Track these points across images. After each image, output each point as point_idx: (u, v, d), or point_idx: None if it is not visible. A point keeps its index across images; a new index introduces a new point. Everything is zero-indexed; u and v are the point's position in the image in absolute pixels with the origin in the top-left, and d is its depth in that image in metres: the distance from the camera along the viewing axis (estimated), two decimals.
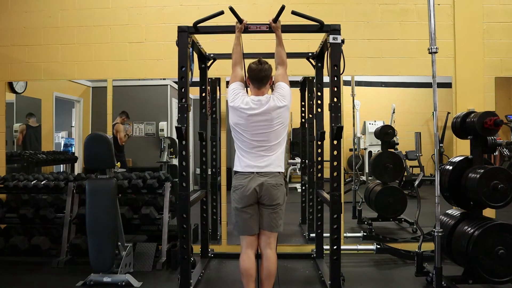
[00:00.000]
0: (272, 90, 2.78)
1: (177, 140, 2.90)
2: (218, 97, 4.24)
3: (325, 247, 3.66)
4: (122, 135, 5.17)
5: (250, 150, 2.66)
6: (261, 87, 2.70)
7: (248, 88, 2.79)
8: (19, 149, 4.79)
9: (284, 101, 2.66)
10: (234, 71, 2.84)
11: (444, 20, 4.08)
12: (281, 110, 2.65)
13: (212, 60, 3.77)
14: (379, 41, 4.13)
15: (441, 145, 3.35)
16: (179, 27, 2.90)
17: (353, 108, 4.96)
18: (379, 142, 4.82)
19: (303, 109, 4.91)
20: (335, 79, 2.83)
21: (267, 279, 2.61)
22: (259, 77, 2.68)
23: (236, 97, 2.69)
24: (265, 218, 2.61)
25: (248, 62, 2.94)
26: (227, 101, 2.81)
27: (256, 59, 2.71)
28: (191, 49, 3.02)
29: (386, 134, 4.73)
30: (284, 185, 2.67)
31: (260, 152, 2.64)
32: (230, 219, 2.87)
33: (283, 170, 2.69)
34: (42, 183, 3.90)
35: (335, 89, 2.85)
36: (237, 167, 2.71)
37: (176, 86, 3.06)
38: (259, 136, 2.64)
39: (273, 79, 2.78)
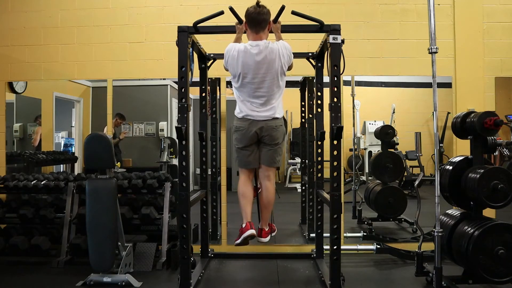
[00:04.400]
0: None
1: (177, 140, 2.90)
2: (218, 97, 4.24)
3: (325, 247, 3.66)
4: None
5: (250, 99, 2.78)
6: (259, 31, 2.73)
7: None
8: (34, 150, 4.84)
9: (286, 52, 2.74)
10: None
11: (444, 20, 4.07)
12: (282, 58, 2.72)
13: (212, 60, 3.76)
14: (379, 41, 4.13)
15: (441, 145, 3.34)
16: (179, 27, 2.90)
17: (353, 108, 4.96)
18: (379, 142, 4.82)
19: (303, 109, 4.91)
20: (335, 79, 2.83)
21: (266, 206, 2.92)
22: (257, 20, 2.71)
23: (231, 48, 2.77)
24: (265, 154, 2.85)
25: None
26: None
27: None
28: (191, 49, 3.02)
29: (386, 134, 4.73)
30: (283, 125, 2.87)
31: (260, 102, 2.77)
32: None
33: (281, 116, 2.86)
34: (42, 183, 3.90)
35: (335, 89, 2.85)
36: (238, 113, 2.87)
37: (176, 86, 3.06)
38: (258, 84, 2.73)
39: (271, 24, 2.83)
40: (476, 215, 2.96)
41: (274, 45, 2.74)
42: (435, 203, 2.85)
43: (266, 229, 2.96)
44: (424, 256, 3.17)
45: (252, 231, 2.75)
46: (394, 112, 5.41)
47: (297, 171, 7.39)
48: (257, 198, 3.01)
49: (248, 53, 2.69)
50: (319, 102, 3.66)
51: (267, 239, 2.95)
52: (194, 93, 3.49)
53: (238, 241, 2.82)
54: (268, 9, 2.78)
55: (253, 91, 2.77)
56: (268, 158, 2.86)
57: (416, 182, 3.34)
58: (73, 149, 5.47)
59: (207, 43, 3.68)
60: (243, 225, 2.81)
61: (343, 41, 2.84)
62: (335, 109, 2.85)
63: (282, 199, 6.32)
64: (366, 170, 5.40)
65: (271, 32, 2.96)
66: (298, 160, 7.10)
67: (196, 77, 3.39)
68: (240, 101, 2.87)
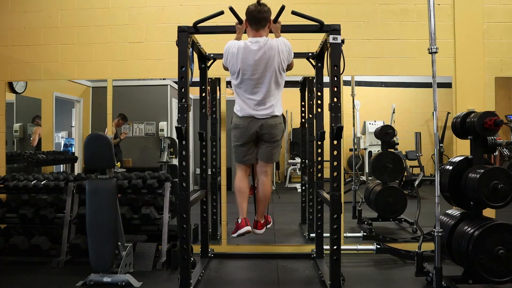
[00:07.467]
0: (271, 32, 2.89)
1: (177, 140, 2.90)
2: (218, 97, 4.24)
3: (325, 247, 3.66)
4: None
5: (249, 96, 2.80)
6: (259, 28, 2.77)
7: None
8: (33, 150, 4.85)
9: (285, 49, 2.77)
10: None
11: (444, 20, 4.07)
12: (281, 54, 2.75)
13: (212, 60, 3.77)
14: (379, 41, 4.13)
15: (441, 145, 3.34)
16: (179, 27, 2.90)
17: (353, 108, 4.97)
18: (379, 142, 4.82)
19: (303, 109, 4.91)
20: (335, 79, 2.83)
21: (262, 200, 2.99)
22: (257, 18, 2.75)
23: (230, 45, 2.80)
24: (263, 151, 2.90)
25: None
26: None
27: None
28: (191, 49, 3.02)
29: (386, 134, 4.73)
30: (282, 122, 2.90)
31: (259, 99, 2.79)
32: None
33: (280, 113, 2.89)
34: (42, 183, 3.90)
35: (335, 89, 2.85)
36: (237, 111, 2.90)
37: (176, 86, 3.07)
38: (257, 80, 2.75)
39: (271, 23, 2.86)
40: (476, 215, 2.96)
41: (273, 41, 2.77)
42: (435, 203, 2.85)
43: (262, 222, 3.05)
44: (424, 256, 3.16)
45: (248, 228, 2.88)
46: (394, 112, 5.41)
47: (297, 171, 7.40)
48: (254, 195, 3.09)
49: (247, 50, 2.72)
50: (319, 102, 3.66)
51: (262, 231, 3.05)
52: (194, 93, 3.49)
53: (234, 235, 2.96)
54: (268, 8, 2.81)
55: (252, 87, 2.80)
56: (266, 154, 2.92)
57: (416, 182, 3.34)
58: (73, 149, 5.48)
59: (207, 43, 3.68)
60: (239, 221, 2.92)
61: (343, 41, 2.84)
62: (335, 109, 2.85)
63: (282, 199, 6.33)
64: (366, 170, 5.40)
65: (271, 32, 2.96)
66: (298, 160, 7.11)
67: (196, 77, 3.39)
68: (239, 99, 2.90)
